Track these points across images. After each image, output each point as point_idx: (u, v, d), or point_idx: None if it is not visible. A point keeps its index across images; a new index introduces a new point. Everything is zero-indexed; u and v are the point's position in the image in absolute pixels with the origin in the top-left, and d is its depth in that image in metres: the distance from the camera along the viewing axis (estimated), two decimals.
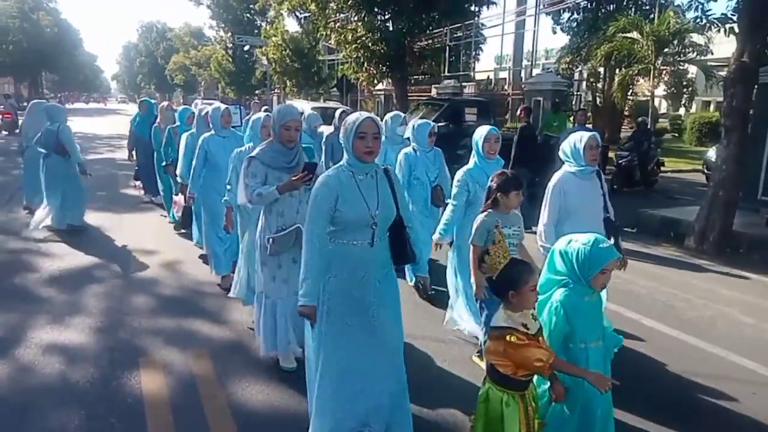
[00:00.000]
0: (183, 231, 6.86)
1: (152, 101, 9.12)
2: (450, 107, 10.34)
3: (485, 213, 3.30)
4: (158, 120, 7.71)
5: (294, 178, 3.33)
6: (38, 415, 3.14)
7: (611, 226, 3.74)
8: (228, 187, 4.29)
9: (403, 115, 5.96)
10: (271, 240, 3.41)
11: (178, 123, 7.09)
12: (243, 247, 4.36)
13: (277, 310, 3.57)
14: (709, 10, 8.13)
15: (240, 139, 4.96)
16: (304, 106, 14.97)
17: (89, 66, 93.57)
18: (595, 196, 3.73)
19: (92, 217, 7.94)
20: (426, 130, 5.23)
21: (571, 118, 11.16)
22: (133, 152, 8.95)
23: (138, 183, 9.36)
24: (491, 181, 3.33)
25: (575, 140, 3.65)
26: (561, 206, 3.62)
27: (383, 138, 5.35)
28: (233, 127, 5.46)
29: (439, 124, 9.51)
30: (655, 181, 11.65)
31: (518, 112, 9.92)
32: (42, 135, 6.94)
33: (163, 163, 7.21)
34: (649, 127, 12.60)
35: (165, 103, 8.39)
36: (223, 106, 5.28)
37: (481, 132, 4.09)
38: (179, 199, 5.92)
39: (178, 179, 5.89)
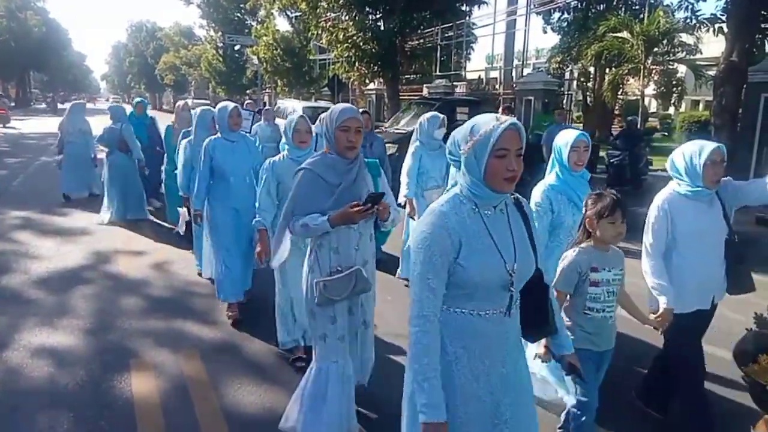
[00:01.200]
0: (175, 231, 6.84)
1: (147, 102, 8.69)
2: (441, 107, 10.33)
3: (576, 249, 2.60)
4: (173, 121, 6.92)
5: (352, 210, 2.53)
6: (27, 419, 3.09)
7: (733, 250, 2.89)
8: (257, 205, 3.52)
9: (441, 116, 5.23)
10: (322, 284, 2.65)
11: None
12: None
13: (329, 378, 2.73)
14: (699, 10, 8.22)
15: (252, 144, 4.57)
16: (296, 105, 14.93)
17: (78, 66, 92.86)
18: (714, 221, 2.86)
19: (81, 219, 7.90)
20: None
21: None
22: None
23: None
24: (586, 204, 2.60)
25: (692, 153, 2.77)
26: (667, 235, 2.82)
27: (417, 143, 5.12)
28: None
29: None
30: (644, 180, 11.75)
31: (500, 111, 9.93)
32: (105, 133, 7.71)
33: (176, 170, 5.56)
34: (638, 126, 12.53)
35: (181, 103, 7.17)
36: (231, 105, 4.41)
37: (565, 137, 3.15)
38: (183, 211, 5.20)
39: (180, 192, 5.09)
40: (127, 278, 5.48)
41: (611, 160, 11.30)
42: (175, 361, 3.79)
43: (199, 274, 5.48)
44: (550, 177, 3.21)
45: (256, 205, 3.51)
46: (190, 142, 5.00)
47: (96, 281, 5.39)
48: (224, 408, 3.25)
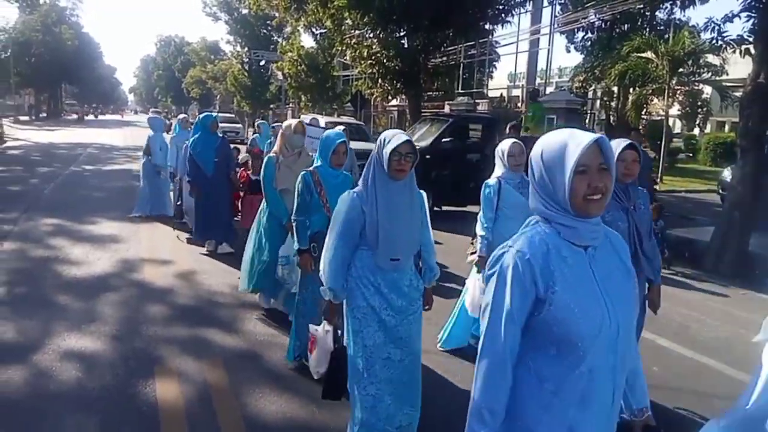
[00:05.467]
0: (195, 241, 7.01)
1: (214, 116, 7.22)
2: (454, 123, 10.32)
3: None
4: (277, 149, 6.07)
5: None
6: (54, 421, 3.17)
7: None
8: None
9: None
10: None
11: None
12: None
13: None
14: (726, 31, 8.12)
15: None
16: (319, 120, 15.13)
17: (108, 78, 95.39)
18: None
19: (109, 227, 8.09)
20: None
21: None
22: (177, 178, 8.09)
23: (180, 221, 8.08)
24: None
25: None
26: None
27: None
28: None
29: (444, 139, 9.56)
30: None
31: (507, 130, 9.70)
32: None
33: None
34: (642, 141, 11.85)
35: (293, 122, 4.80)
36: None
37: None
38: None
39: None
40: (153, 286, 5.59)
41: None
42: (199, 369, 3.86)
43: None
44: None
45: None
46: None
47: (122, 288, 5.51)
48: (246, 416, 3.29)
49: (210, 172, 6.45)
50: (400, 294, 2.71)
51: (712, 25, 8.15)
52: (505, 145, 3.96)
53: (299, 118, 21.37)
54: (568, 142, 1.38)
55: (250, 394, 3.54)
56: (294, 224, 3.66)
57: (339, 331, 2.88)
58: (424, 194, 2.85)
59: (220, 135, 6.90)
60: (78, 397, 3.43)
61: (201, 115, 7.08)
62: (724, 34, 8.17)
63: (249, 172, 7.05)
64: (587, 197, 1.38)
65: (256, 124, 10.84)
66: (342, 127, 4.53)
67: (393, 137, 2.56)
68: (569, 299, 1.38)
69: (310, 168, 3.71)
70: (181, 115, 10.40)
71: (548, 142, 1.44)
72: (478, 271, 4.02)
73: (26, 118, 45.15)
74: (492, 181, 3.99)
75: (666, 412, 3.52)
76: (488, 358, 1.44)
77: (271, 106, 39.09)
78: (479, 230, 4.01)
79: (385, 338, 2.70)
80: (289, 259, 4.20)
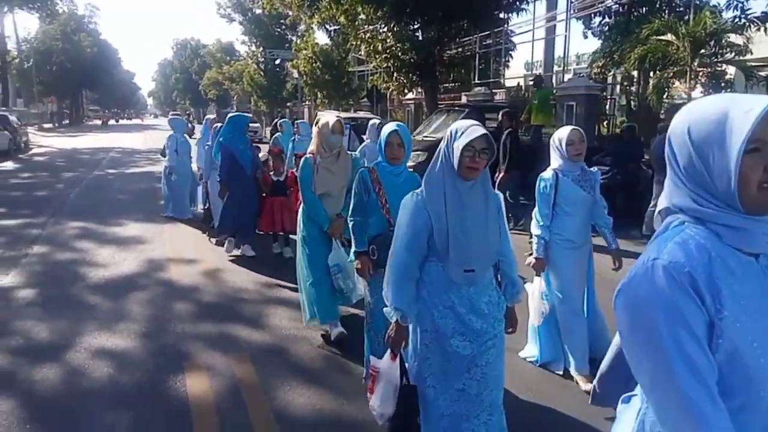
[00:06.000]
0: (217, 240, 7.06)
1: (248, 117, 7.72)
2: (470, 113, 10.26)
3: None
4: (313, 149, 5.38)
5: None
6: (89, 418, 3.24)
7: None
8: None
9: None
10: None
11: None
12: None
13: None
14: (749, 9, 7.91)
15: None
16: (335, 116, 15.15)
17: (127, 83, 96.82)
18: None
19: (134, 228, 8.22)
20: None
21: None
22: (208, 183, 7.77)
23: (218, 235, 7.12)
24: None
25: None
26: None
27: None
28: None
29: None
30: (642, 210, 7.51)
31: (500, 116, 9.10)
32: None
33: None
34: (635, 134, 9.52)
35: (331, 119, 4.19)
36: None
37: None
38: None
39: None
40: (179, 285, 5.67)
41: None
42: (227, 364, 3.90)
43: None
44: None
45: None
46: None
47: (149, 287, 5.60)
48: (275, 409, 3.32)
49: (250, 171, 6.48)
50: (479, 314, 2.29)
51: (735, 2, 7.94)
52: (563, 133, 3.56)
53: (315, 115, 21.46)
54: (730, 110, 1.00)
55: (278, 387, 3.57)
56: (350, 225, 3.38)
57: (407, 363, 2.46)
58: (501, 195, 2.45)
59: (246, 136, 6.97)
60: (111, 394, 3.49)
61: (232, 115, 6.87)
62: (748, 12, 7.96)
63: (271, 173, 6.74)
64: (764, 185, 1.00)
65: (278, 123, 10.61)
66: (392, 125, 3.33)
67: (466, 130, 2.17)
68: (745, 328, 1.00)
69: (369, 165, 3.49)
70: (210, 116, 10.42)
71: (699, 111, 1.06)
72: (537, 275, 3.70)
73: (49, 125, 46.02)
74: (547, 173, 3.59)
75: None
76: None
77: (288, 104, 39.28)
78: (534, 229, 3.64)
79: (459, 367, 2.30)
80: (341, 267, 3.93)
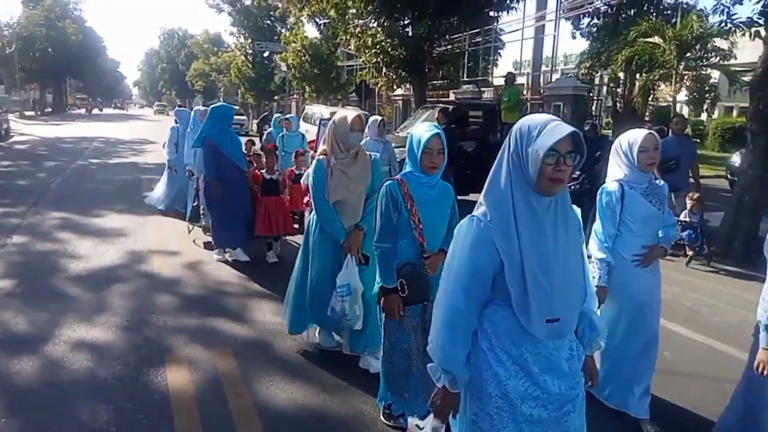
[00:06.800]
0: (206, 234, 6.98)
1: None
2: (455, 110, 10.27)
3: None
4: (326, 149, 5.37)
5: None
6: (68, 410, 3.20)
7: None
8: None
9: None
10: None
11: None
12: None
13: None
14: (735, 13, 7.96)
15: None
16: (323, 111, 15.08)
17: (112, 72, 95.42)
18: None
19: (117, 220, 8.12)
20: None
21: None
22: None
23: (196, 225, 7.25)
24: None
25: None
26: None
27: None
28: None
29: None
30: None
31: (436, 113, 8.80)
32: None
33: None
34: (598, 132, 9.06)
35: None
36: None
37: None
38: None
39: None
40: (162, 277, 5.61)
41: (570, 186, 7.89)
42: (209, 357, 3.87)
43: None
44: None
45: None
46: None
47: (131, 279, 5.53)
48: (257, 403, 3.31)
49: (245, 167, 5.95)
50: (559, 373, 1.76)
51: (721, 7, 8.00)
52: (634, 137, 2.96)
53: (303, 108, 21.34)
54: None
55: (260, 381, 3.55)
56: (377, 253, 2.84)
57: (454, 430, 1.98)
58: (579, 211, 1.87)
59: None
60: (90, 387, 3.45)
61: (215, 106, 6.17)
62: (734, 17, 8.03)
63: (263, 171, 6.23)
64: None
65: (280, 119, 9.53)
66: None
67: (545, 128, 1.62)
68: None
69: (396, 176, 2.86)
70: (200, 107, 9.57)
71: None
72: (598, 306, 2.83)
73: (31, 113, 45.27)
74: (612, 186, 3.01)
75: (676, 395, 3.51)
76: None
77: (276, 97, 39.01)
78: (597, 251, 3.01)
79: None
80: (350, 289, 3.41)
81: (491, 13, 17.91)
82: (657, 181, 3.11)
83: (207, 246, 6.65)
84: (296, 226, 6.56)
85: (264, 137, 9.56)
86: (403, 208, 2.73)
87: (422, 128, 2.78)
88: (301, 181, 6.12)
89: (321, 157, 3.55)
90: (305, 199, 6.10)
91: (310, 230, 3.68)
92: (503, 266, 1.67)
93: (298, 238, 6.40)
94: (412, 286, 2.72)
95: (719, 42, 14.70)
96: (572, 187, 7.20)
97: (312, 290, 3.67)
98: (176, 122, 8.70)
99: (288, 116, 9.49)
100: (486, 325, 1.77)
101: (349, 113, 3.58)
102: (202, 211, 7.06)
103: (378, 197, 2.83)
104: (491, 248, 1.68)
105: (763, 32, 7.11)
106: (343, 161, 3.51)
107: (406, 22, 17.48)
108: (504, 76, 13.03)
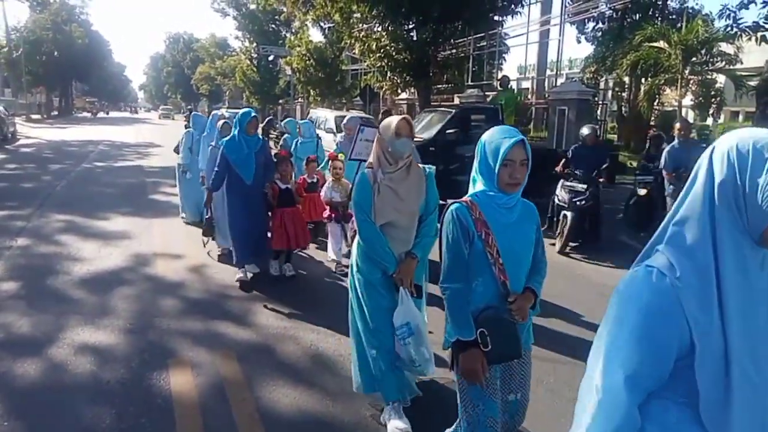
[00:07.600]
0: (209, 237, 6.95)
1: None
2: (457, 114, 10.23)
3: None
4: (371, 160, 4.78)
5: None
6: (71, 414, 3.19)
7: None
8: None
9: None
10: None
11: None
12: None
13: None
14: (741, 18, 7.96)
15: None
16: (328, 115, 15.11)
17: (118, 76, 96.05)
18: None
19: (121, 222, 8.13)
20: None
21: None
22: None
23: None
24: None
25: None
26: None
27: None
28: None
29: (449, 130, 9.47)
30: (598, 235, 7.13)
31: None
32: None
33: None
34: (599, 136, 8.46)
35: (395, 119, 3.08)
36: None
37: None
38: None
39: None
40: (165, 280, 5.61)
41: (575, 201, 6.91)
42: (213, 362, 3.86)
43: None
44: None
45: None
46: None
47: (135, 283, 5.53)
48: (260, 408, 3.29)
49: (250, 180, 5.36)
50: None
51: (727, 12, 8.00)
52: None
53: (308, 113, 21.34)
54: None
55: (263, 386, 3.54)
56: (446, 296, 2.21)
57: None
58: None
59: (260, 136, 5.68)
60: (93, 390, 3.44)
61: (241, 114, 5.57)
62: (740, 21, 8.03)
63: (277, 180, 5.65)
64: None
65: (283, 123, 9.27)
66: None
67: None
68: None
69: (466, 198, 2.22)
70: (219, 111, 9.15)
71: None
72: None
73: (38, 116, 45.47)
74: None
75: None
76: None
77: (280, 101, 39.13)
78: None
79: None
80: (411, 329, 2.85)
81: (496, 18, 17.91)
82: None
83: (221, 259, 6.33)
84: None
85: (281, 143, 9.10)
86: (476, 238, 2.13)
87: (497, 133, 2.18)
88: (322, 195, 5.99)
89: (366, 171, 2.98)
90: (324, 213, 6.04)
91: (353, 262, 3.08)
92: (692, 347, 1.13)
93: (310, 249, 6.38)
94: (497, 337, 2.11)
95: (725, 46, 14.66)
96: (577, 202, 6.83)
97: (369, 337, 3.02)
98: (186, 126, 8.54)
99: (301, 122, 9.04)
100: (649, 428, 1.22)
101: (393, 118, 2.97)
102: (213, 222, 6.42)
103: (442, 225, 2.23)
104: (682, 323, 1.12)
105: None
106: (393, 176, 2.90)
107: (410, 26, 17.52)
108: (499, 80, 13.04)
